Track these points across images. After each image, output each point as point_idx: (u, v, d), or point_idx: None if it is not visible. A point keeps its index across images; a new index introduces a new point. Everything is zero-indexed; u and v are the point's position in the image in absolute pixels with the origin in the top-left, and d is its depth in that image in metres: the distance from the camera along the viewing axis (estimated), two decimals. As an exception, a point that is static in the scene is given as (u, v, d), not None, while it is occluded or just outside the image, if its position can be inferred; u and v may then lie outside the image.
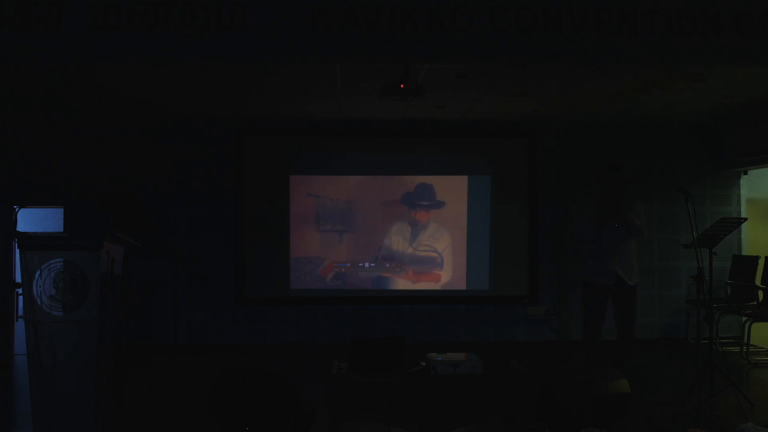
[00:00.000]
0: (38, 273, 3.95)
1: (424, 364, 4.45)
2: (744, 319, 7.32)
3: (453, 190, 7.97)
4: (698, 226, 5.19)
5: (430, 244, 7.93)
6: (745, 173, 8.13)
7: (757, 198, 8.13)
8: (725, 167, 8.08)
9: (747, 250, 8.03)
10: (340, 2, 4.43)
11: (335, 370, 4.37)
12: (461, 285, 7.98)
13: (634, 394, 4.53)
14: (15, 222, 7.69)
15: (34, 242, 4.01)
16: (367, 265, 7.89)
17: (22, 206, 7.75)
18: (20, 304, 6.38)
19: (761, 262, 7.28)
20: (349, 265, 7.88)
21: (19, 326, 6.87)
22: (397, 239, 7.90)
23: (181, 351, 7.12)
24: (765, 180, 8.05)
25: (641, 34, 4.53)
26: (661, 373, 6.58)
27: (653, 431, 4.72)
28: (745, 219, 6.51)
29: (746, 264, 7.47)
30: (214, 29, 4.38)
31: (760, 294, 7.21)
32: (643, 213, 5.83)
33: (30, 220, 9.57)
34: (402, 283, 7.90)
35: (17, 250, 4.46)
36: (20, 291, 6.36)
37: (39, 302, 3.95)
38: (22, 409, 5.34)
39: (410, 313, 7.93)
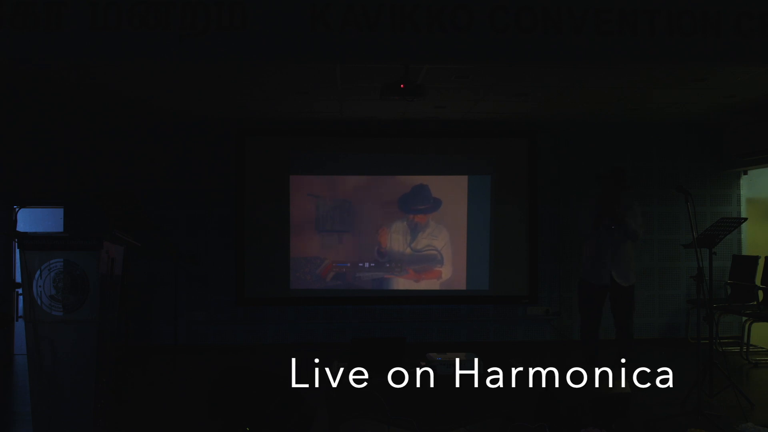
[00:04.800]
0: (38, 273, 3.95)
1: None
2: (744, 319, 7.32)
3: (453, 190, 7.97)
4: (698, 226, 5.20)
5: (429, 242, 7.93)
6: (745, 173, 8.13)
7: (757, 198, 8.13)
8: (725, 167, 8.08)
9: (747, 250, 8.03)
10: (340, 2, 4.44)
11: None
12: (461, 285, 7.98)
13: (634, 394, 4.53)
14: (15, 222, 7.70)
15: (34, 242, 4.01)
16: (367, 265, 7.88)
17: (22, 206, 7.76)
18: (20, 304, 6.38)
19: (761, 262, 7.28)
20: (349, 265, 7.88)
21: (19, 326, 6.88)
22: (396, 239, 7.90)
23: (181, 351, 7.11)
24: (765, 180, 8.05)
25: (641, 34, 4.54)
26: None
27: (653, 431, 4.72)
28: (745, 219, 6.52)
29: (746, 264, 7.47)
30: (214, 29, 4.38)
31: (760, 294, 7.21)
32: (640, 216, 5.86)
33: (30, 220, 9.57)
34: (402, 282, 7.89)
35: (17, 250, 4.47)
36: (20, 291, 6.36)
37: (39, 302, 3.95)
38: (22, 409, 5.34)
39: (410, 313, 7.93)
